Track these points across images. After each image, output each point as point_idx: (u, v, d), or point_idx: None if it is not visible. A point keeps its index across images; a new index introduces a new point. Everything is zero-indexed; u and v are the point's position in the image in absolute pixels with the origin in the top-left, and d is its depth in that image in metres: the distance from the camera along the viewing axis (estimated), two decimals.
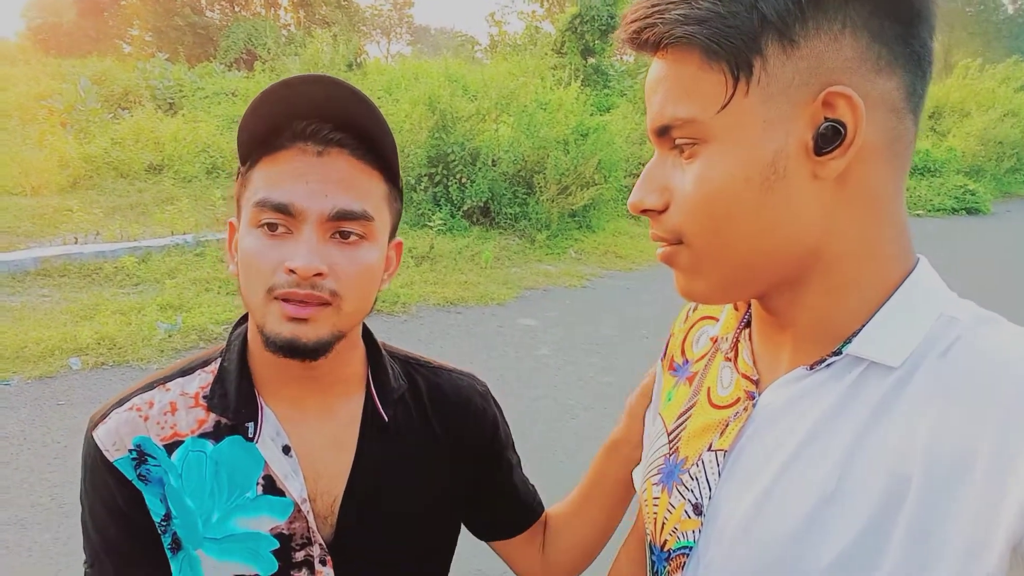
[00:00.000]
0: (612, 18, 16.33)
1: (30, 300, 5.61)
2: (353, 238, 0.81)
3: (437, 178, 9.10)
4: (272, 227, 0.78)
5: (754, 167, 0.59)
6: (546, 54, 13.26)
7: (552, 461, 3.84)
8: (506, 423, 1.09)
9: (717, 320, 0.84)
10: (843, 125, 0.57)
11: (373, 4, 49.38)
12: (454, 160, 9.02)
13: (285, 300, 0.78)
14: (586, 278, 8.04)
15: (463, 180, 9.08)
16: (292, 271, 0.77)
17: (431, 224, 8.42)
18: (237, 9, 27.69)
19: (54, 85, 11.91)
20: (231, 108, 12.52)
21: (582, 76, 14.56)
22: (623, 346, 5.77)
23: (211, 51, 23.00)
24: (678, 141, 0.62)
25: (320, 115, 0.79)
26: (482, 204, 9.20)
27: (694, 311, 0.92)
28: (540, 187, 9.34)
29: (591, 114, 11.26)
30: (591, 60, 16.77)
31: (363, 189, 0.81)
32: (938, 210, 14.75)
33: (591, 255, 9.08)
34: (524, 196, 9.47)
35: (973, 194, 15.38)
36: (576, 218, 9.84)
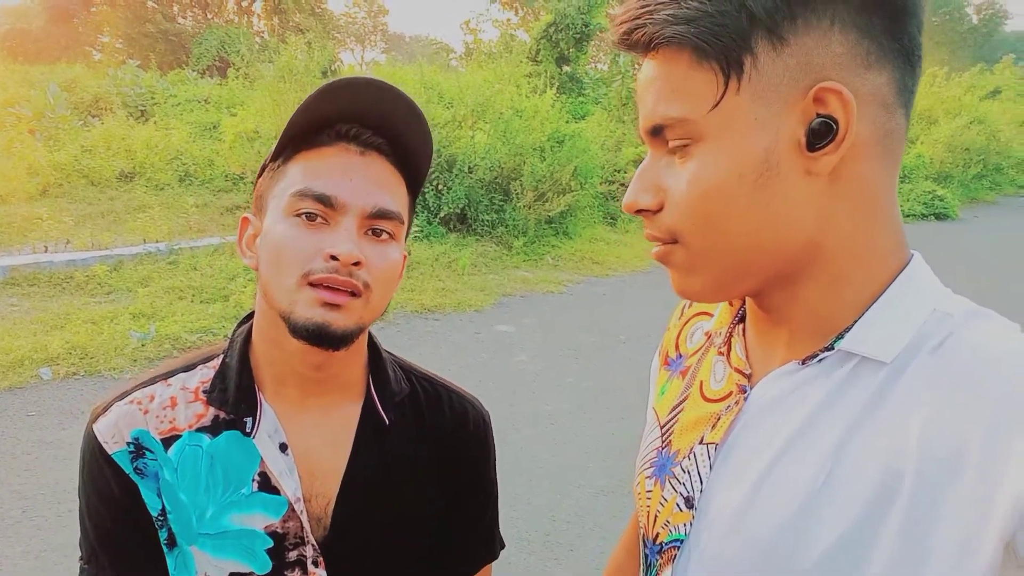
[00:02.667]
0: (587, 26, 16.41)
1: None
2: (384, 236, 0.84)
3: None
4: (310, 217, 0.80)
5: (747, 164, 0.59)
6: (521, 62, 13.25)
7: (530, 466, 3.83)
8: (495, 459, 1.06)
9: (712, 315, 0.84)
10: (835, 121, 0.58)
11: (347, 11, 49.31)
12: (431, 167, 8.98)
13: (318, 286, 0.79)
14: (563, 284, 8.05)
15: (440, 187, 9.06)
16: (333, 257, 0.78)
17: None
18: (210, 16, 27.47)
19: (22, 92, 11.68)
20: (203, 115, 12.41)
21: (557, 84, 14.59)
22: (601, 352, 5.79)
23: (183, 58, 22.78)
24: (671, 141, 0.62)
25: (364, 120, 0.83)
26: (459, 211, 9.18)
27: (690, 307, 0.92)
28: (517, 194, 9.35)
29: (567, 121, 11.28)
30: (566, 68, 16.83)
31: (396, 193, 0.85)
32: (908, 216, 14.97)
33: (568, 261, 9.11)
34: (501, 203, 9.47)
35: (941, 200, 15.62)
36: (553, 225, 9.86)
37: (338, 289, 0.79)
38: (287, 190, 0.81)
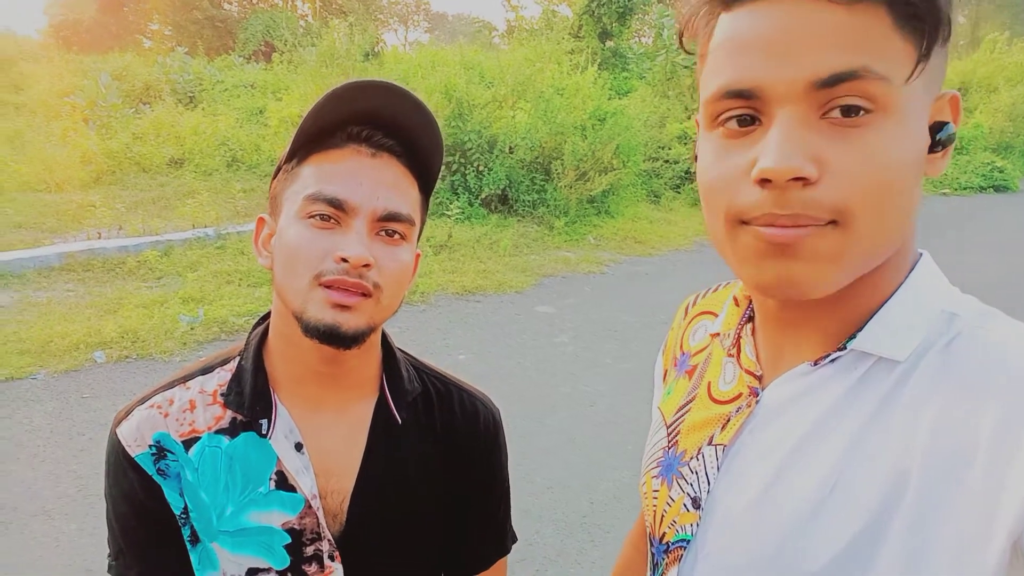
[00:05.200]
0: (629, 0, 16.15)
1: (55, 295, 5.70)
2: (396, 237, 0.86)
3: (455, 167, 9.09)
4: (323, 218, 0.82)
5: (919, 149, 0.57)
6: (563, 38, 13.15)
7: (570, 448, 3.85)
8: (507, 456, 1.08)
9: (716, 316, 0.83)
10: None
11: None
12: (471, 148, 9.00)
13: (330, 288, 0.81)
14: (605, 264, 8.01)
15: (480, 168, 9.07)
16: (344, 259, 0.80)
17: (449, 213, 8.42)
18: (255, 1, 27.80)
19: (76, 81, 12.03)
20: (250, 100, 12.61)
21: (599, 60, 14.44)
22: (641, 332, 5.75)
23: (230, 44, 23.17)
24: (846, 101, 0.53)
25: (375, 122, 0.84)
26: (500, 192, 9.19)
27: (694, 306, 0.91)
28: (558, 173, 9.30)
29: (609, 98, 11.16)
30: (609, 43, 16.62)
31: (407, 194, 0.87)
32: (965, 188, 14.50)
33: (610, 241, 9.04)
34: (542, 183, 9.44)
35: (1001, 171, 15.08)
36: (594, 204, 9.80)
37: (348, 290, 0.81)
38: (300, 193, 0.83)
